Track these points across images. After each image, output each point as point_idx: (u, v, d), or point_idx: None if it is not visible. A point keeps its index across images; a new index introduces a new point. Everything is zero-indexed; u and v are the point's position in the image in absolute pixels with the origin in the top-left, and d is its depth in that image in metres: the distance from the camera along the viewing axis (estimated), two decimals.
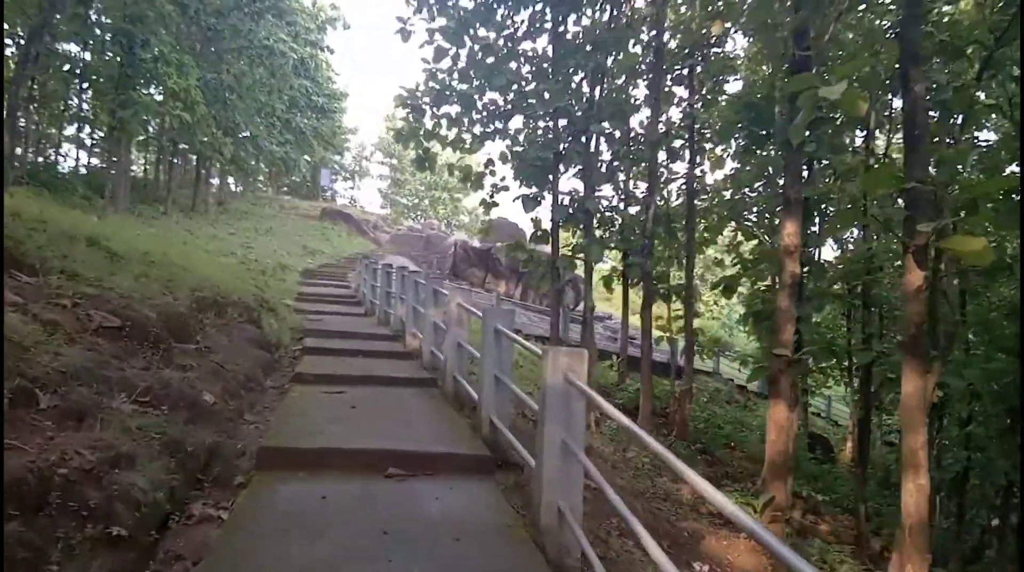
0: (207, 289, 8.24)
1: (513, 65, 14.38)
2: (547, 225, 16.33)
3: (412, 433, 4.88)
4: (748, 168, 16.90)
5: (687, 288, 15.04)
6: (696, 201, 16.37)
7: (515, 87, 14.78)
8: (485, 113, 15.81)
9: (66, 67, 20.54)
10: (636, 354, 26.03)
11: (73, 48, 21.27)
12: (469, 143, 16.10)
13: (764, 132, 15.32)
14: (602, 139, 13.72)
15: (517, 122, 16.90)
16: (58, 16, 17.23)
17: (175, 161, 28.15)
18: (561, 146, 14.76)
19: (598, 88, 13.59)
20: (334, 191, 53.52)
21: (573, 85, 14.48)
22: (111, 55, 18.79)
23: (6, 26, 15.36)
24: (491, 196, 16.34)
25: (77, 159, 24.00)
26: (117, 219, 17.77)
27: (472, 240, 31.98)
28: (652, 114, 11.51)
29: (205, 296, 7.84)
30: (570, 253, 16.20)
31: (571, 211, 14.88)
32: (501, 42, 13.70)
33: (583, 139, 14.45)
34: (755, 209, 18.22)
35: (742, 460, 17.08)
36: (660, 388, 20.85)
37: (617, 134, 14.80)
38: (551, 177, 15.18)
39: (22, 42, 15.53)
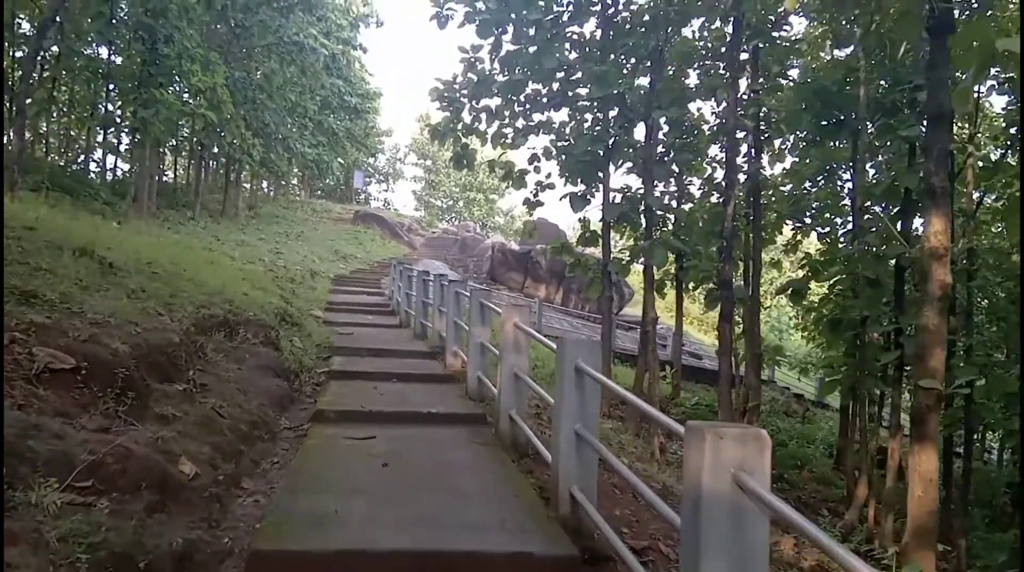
0: (217, 305, 7.09)
1: (559, 51, 13.11)
2: (596, 226, 15.07)
3: (462, 513, 3.59)
4: (808, 161, 15.37)
5: (753, 293, 13.57)
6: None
7: (561, 75, 13.49)
8: (528, 105, 14.55)
9: (89, 68, 19.77)
10: (688, 363, 24.51)
11: (99, 50, 20.57)
12: (511, 138, 14.87)
13: (832, 121, 13.84)
14: (658, 129, 12.28)
15: (562, 115, 15.57)
16: (78, 14, 16.42)
17: (205, 164, 27.38)
18: (611, 139, 13.44)
19: (654, 73, 12.20)
20: (368, 194, 52.82)
21: (625, 70, 13.14)
22: (132, 52, 17.95)
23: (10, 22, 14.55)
24: (535, 195, 15.07)
25: (105, 165, 23.32)
26: (138, 225, 16.89)
27: (510, 242, 30.76)
28: (730, 94, 10.08)
29: (212, 314, 6.68)
30: (621, 256, 14.85)
31: (624, 210, 13.55)
32: (548, 24, 12.38)
33: (638, 130, 13.10)
34: (814, 206, 16.71)
35: (811, 482, 15.54)
36: (710, 395, 19.38)
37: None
38: (600, 173, 13.88)
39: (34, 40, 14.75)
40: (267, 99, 22.51)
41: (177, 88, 19.64)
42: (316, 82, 24.34)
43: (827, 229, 17.20)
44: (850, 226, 16.30)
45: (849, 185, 16.18)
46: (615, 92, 10.98)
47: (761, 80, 13.70)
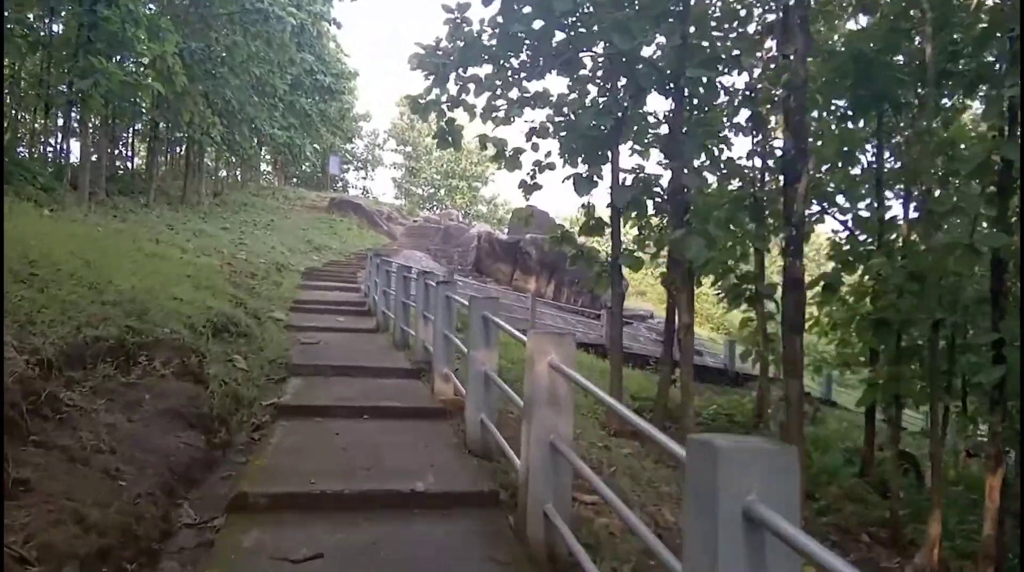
0: (115, 320, 5.09)
1: None
2: (600, 212, 13.16)
3: None
4: (819, 143, 13.54)
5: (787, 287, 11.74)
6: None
7: (563, 36, 11.51)
8: (523, 73, 12.58)
9: (29, 38, 17.46)
10: (698, 362, 22.75)
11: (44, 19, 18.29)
12: (503, 112, 12.90)
13: (870, 93, 12.03)
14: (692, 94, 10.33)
15: (561, 86, 13.59)
16: None
17: (165, 147, 25.13)
18: (621, 111, 11.51)
19: (684, 26, 10.22)
20: (345, 181, 50.40)
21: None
22: (68, 14, 15.73)
23: None
24: (532, 177, 13.11)
25: (63, 148, 20.92)
26: (76, 213, 14.74)
27: (498, 232, 28.80)
28: (803, 45, 8.13)
29: (101, 336, 4.70)
30: (634, 247, 12.95)
31: (636, 194, 11.64)
32: None
33: (651, 101, 11.14)
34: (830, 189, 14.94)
35: (843, 500, 13.81)
36: (727, 400, 17.61)
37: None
38: (608, 152, 11.95)
39: None
40: (229, 73, 20.28)
41: (126, 59, 17.40)
42: (284, 55, 22.10)
43: (847, 216, 15.47)
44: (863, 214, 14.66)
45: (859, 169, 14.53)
46: (638, 48, 8.99)
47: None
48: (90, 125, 20.52)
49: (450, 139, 13.01)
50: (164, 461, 3.80)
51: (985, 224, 10.71)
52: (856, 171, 14.83)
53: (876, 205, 13.79)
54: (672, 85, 10.00)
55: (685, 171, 8.13)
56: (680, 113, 9.34)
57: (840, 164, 14.09)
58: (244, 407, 5.53)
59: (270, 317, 10.73)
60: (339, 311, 12.70)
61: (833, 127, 13.55)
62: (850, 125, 13.46)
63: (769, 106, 12.27)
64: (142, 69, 16.26)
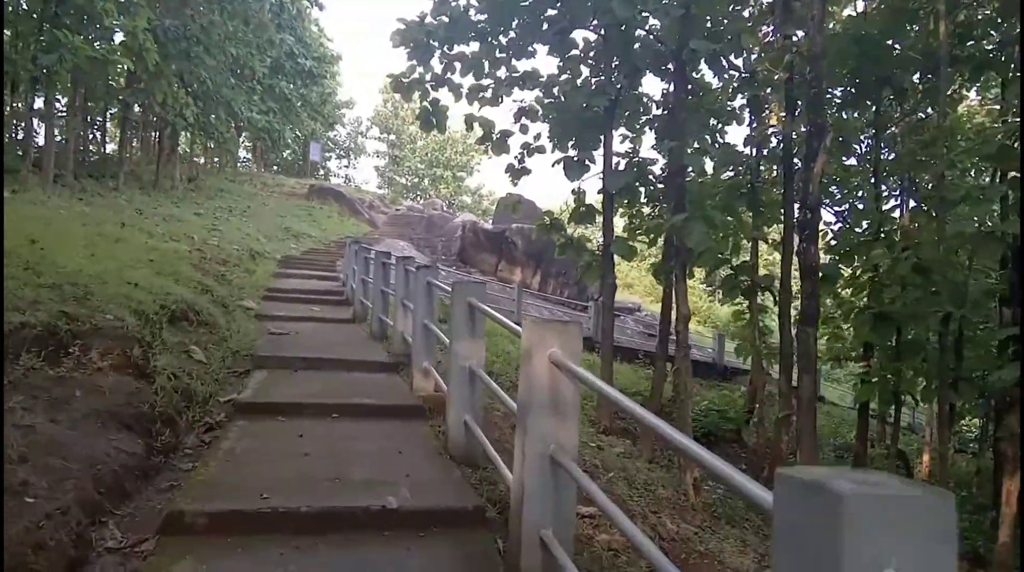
0: (48, 305, 4.46)
1: None
2: (589, 199, 12.60)
3: None
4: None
5: (784, 280, 11.26)
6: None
7: (555, 11, 10.91)
8: (512, 51, 11.98)
9: None
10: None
11: None
12: (490, 92, 12.29)
13: (875, 77, 11.56)
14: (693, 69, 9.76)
15: (552, 67, 12.98)
16: None
17: (140, 129, 24.25)
18: (615, 93, 10.95)
19: None
20: (327, 169, 49.44)
21: None
22: None
23: None
24: (520, 160, 12.53)
25: (28, 129, 19.96)
26: (37, 196, 13.97)
27: (483, 221, 28.19)
28: (820, 11, 7.57)
29: (28, 323, 4.07)
30: (625, 235, 12.41)
31: (630, 179, 11.11)
32: None
33: (666, 74, 10.55)
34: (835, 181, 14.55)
35: None
36: (718, 395, 17.16)
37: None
38: (601, 135, 11.40)
39: None
40: (205, 53, 19.45)
41: (96, 35, 16.57)
42: (263, 35, 21.29)
43: (843, 207, 15.05)
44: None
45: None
46: (637, 18, 8.41)
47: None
48: (60, 106, 19.65)
49: (434, 121, 12.41)
50: (89, 471, 3.19)
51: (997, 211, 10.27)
52: (850, 161, 14.44)
53: (876, 196, 13.40)
54: (672, 64, 9.42)
55: (688, 151, 7.55)
56: (682, 89, 8.77)
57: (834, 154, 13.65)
58: (197, 404, 4.91)
59: (239, 306, 10.07)
60: (315, 300, 12.05)
61: (829, 117, 13.12)
62: (844, 114, 13.03)
63: (768, 90, 11.73)
64: (111, 45, 15.43)
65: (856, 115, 12.89)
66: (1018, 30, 9.42)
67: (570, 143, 12.08)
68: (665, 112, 9.70)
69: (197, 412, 4.81)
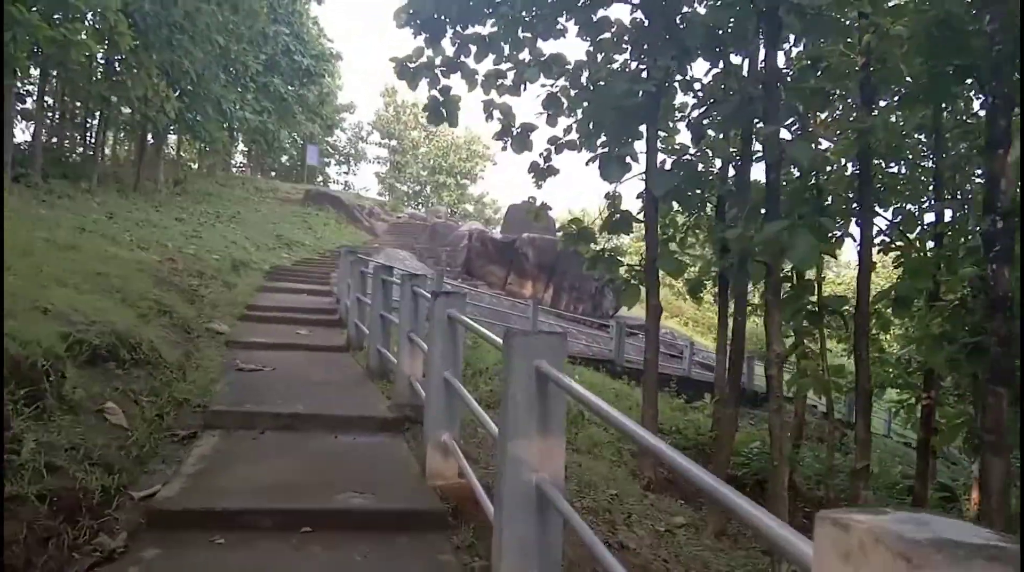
0: None
1: None
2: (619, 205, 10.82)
3: None
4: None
5: (861, 303, 9.41)
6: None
7: None
8: (537, 30, 10.21)
9: None
10: (701, 377, 20.40)
11: None
12: (511, 78, 10.53)
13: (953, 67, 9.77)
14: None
15: (579, 50, 11.16)
16: None
17: (114, 125, 22.45)
18: (664, 78, 9.16)
19: None
20: (326, 175, 47.56)
21: None
22: None
23: None
24: (547, 158, 10.75)
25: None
26: None
27: (491, 230, 26.38)
28: None
29: None
30: (676, 249, 10.61)
31: (678, 180, 9.32)
32: None
33: (721, 57, 8.73)
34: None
35: None
36: (756, 429, 15.28)
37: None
38: (643, 128, 9.61)
39: None
40: (190, 43, 17.69)
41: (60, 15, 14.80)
42: (253, 25, 19.55)
43: (898, 218, 13.24)
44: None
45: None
46: None
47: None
48: (27, 100, 17.90)
49: (444, 113, 10.61)
50: None
51: None
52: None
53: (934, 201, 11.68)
54: (761, 27, 7.56)
55: (788, 138, 5.71)
56: (773, 57, 6.91)
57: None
58: (87, 514, 3.07)
59: (208, 329, 8.24)
60: (302, 321, 10.22)
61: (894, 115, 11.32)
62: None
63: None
64: (77, 26, 13.64)
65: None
66: None
67: (599, 141, 10.35)
68: (731, 94, 7.88)
69: (83, 531, 2.96)
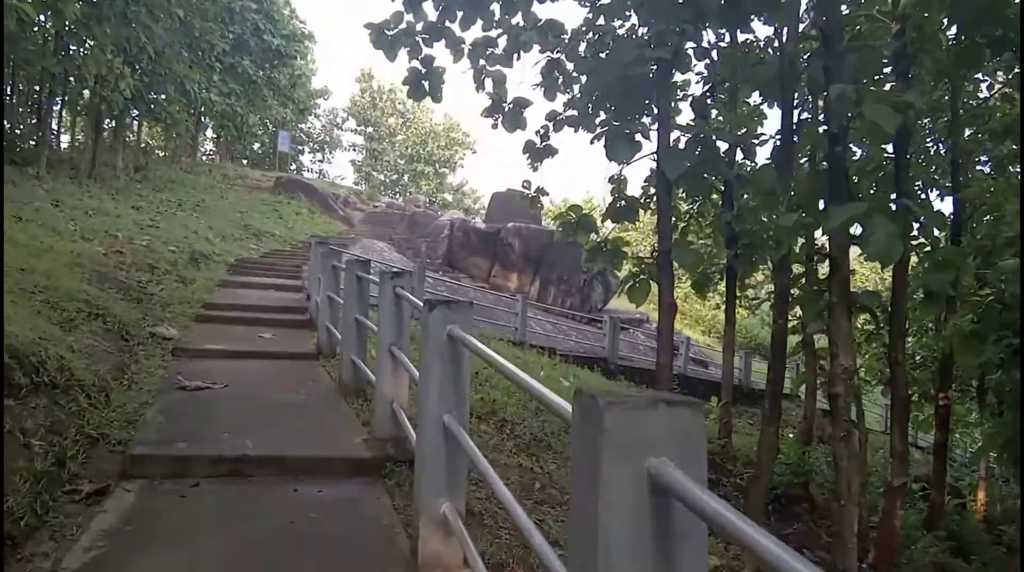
0: None
1: None
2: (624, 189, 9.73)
3: None
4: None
5: (897, 297, 8.39)
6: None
7: None
8: None
9: None
10: (695, 374, 19.43)
11: None
12: (502, 47, 9.38)
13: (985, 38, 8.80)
14: None
15: (579, 17, 9.96)
16: None
17: (64, 105, 20.91)
18: (678, 45, 8.06)
19: None
20: (299, 163, 45.89)
21: None
22: None
23: None
24: (544, 136, 9.61)
25: None
26: None
27: (473, 219, 25.17)
28: None
29: None
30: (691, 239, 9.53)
31: (693, 162, 8.23)
32: None
33: (739, 21, 7.63)
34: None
35: None
36: (754, 429, 14.28)
37: None
38: (655, 102, 8.52)
39: None
40: (147, 16, 16.25)
41: None
42: (218, 0, 18.13)
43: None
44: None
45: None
46: None
47: None
48: None
49: (426, 87, 9.43)
50: None
51: None
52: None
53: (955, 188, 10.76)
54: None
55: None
56: (835, 6, 5.81)
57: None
58: None
59: (151, 335, 7.02)
60: (267, 322, 9.00)
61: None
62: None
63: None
64: None
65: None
66: None
67: (599, 119, 9.26)
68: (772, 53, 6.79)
69: None
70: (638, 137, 8.09)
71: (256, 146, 41.16)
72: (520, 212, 24.01)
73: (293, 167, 42.69)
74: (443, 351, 2.75)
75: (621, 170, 9.11)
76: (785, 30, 7.81)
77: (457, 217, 24.45)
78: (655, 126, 8.21)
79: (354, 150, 49.82)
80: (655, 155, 8.22)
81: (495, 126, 9.63)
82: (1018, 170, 10.74)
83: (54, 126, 24.38)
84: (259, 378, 6.07)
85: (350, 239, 20.44)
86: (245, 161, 40.59)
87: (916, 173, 11.59)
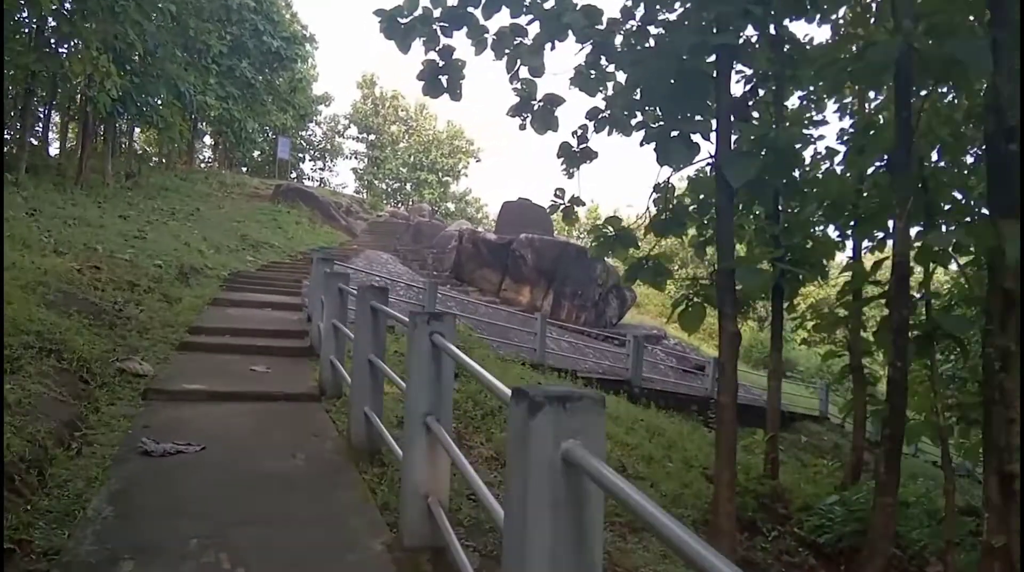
0: None
1: None
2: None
3: None
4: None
5: None
6: None
7: None
8: None
9: None
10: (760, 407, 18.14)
11: None
12: (532, 35, 8.23)
13: None
14: None
15: (610, 4, 8.74)
16: None
17: (46, 108, 19.79)
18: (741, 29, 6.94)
19: None
20: (300, 171, 44.72)
21: None
22: None
23: None
24: (582, 137, 8.45)
25: None
26: None
27: (483, 230, 23.98)
28: None
29: None
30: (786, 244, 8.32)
31: (758, 164, 7.07)
32: None
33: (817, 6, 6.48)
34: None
35: None
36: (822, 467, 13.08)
37: None
38: (713, 98, 7.38)
39: None
40: (137, 11, 15.11)
41: None
42: None
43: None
44: None
45: None
46: None
47: None
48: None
49: (444, 83, 8.28)
50: None
51: None
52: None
53: None
54: None
55: None
56: None
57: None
58: None
59: (120, 371, 5.82)
60: (261, 349, 7.80)
61: None
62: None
63: None
64: None
65: None
66: None
67: (634, 119, 8.17)
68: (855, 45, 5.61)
69: None
70: (696, 138, 6.94)
71: (255, 154, 40.02)
72: (532, 222, 22.84)
73: (293, 175, 41.53)
74: (556, 485, 1.56)
75: (669, 177, 7.97)
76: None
77: (466, 227, 23.29)
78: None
79: (356, 158, 48.70)
80: (713, 158, 7.08)
81: (523, 127, 8.46)
82: None
83: (44, 131, 23.27)
84: (247, 432, 4.87)
85: (353, 250, 19.29)
86: (244, 169, 39.41)
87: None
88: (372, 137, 47.02)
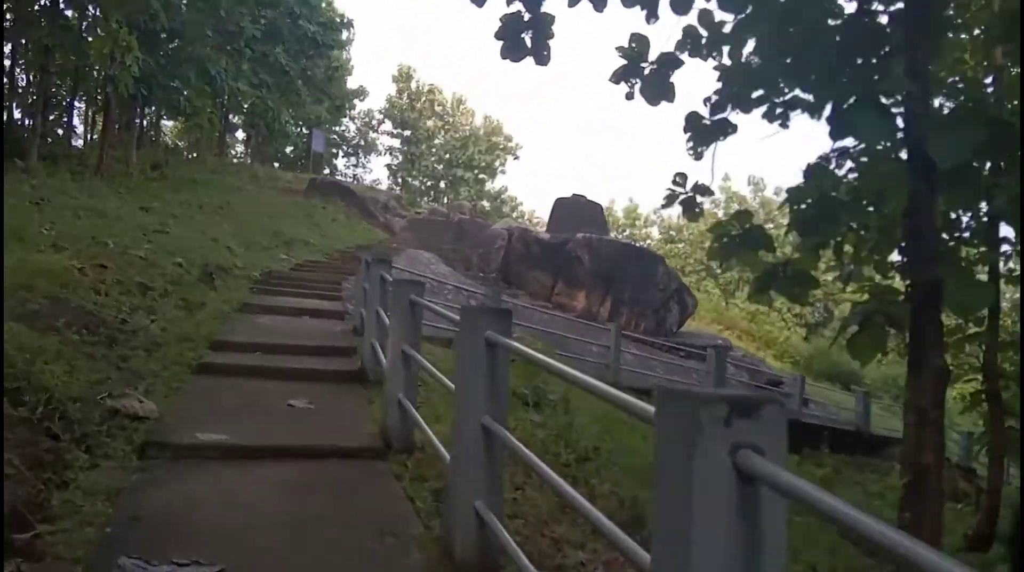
0: None
1: None
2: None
3: None
4: None
5: None
6: None
7: None
8: None
9: None
10: (809, 421, 16.19)
11: None
12: None
13: None
14: None
15: None
16: None
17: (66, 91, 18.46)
18: None
19: None
20: (333, 166, 43.30)
21: None
22: None
23: None
24: (716, 108, 6.67)
25: None
26: None
27: (534, 229, 22.26)
28: None
29: None
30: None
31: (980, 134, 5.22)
32: None
33: None
34: None
35: None
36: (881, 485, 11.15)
37: None
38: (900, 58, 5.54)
39: None
40: None
41: None
42: None
43: None
44: None
45: None
46: None
47: None
48: None
49: (527, 40, 6.60)
50: None
51: None
52: None
53: None
54: None
55: None
56: None
57: None
58: None
59: (112, 413, 4.16)
60: (300, 373, 6.12)
61: None
62: None
63: None
64: None
65: None
66: None
67: (755, 92, 6.32)
68: None
69: None
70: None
71: (288, 149, 38.72)
72: (586, 221, 21.06)
73: (327, 171, 40.16)
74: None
75: (832, 154, 6.14)
76: None
77: (515, 226, 21.56)
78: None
79: (390, 154, 47.19)
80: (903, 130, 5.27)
81: (630, 96, 6.71)
82: None
83: (68, 121, 22.03)
84: (284, 524, 3.18)
85: (393, 249, 17.65)
86: (276, 164, 38.13)
87: None
88: (407, 132, 45.48)
